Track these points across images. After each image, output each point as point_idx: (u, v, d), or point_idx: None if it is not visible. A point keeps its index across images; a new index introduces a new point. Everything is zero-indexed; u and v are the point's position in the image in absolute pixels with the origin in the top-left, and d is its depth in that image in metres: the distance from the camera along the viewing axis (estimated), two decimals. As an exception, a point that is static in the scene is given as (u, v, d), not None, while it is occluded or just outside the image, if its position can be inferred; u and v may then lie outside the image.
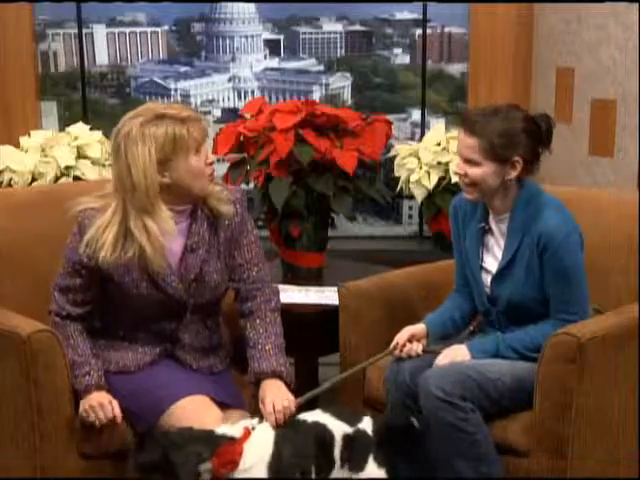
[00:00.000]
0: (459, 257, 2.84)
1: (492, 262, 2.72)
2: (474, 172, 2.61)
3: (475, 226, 2.74)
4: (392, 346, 2.71)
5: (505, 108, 2.63)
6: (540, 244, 2.59)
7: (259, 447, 2.28)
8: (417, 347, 2.70)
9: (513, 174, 2.61)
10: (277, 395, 2.45)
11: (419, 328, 2.73)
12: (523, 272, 2.64)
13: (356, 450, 2.36)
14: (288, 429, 2.35)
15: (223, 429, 2.30)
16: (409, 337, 2.70)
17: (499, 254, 2.70)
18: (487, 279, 2.72)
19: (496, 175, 2.60)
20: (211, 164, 2.50)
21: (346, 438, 2.36)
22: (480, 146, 2.57)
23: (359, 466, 2.36)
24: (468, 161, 2.61)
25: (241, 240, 2.59)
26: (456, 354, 2.64)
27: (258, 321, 2.60)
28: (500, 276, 2.69)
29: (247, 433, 2.29)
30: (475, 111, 2.66)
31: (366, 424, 2.40)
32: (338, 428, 2.37)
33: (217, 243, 2.57)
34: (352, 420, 2.40)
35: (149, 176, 2.40)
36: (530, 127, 2.60)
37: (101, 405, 2.47)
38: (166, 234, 2.45)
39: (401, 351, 2.70)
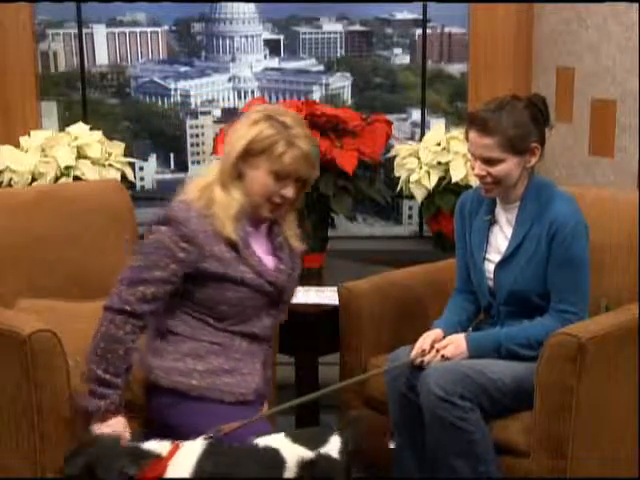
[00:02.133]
0: (462, 255, 2.84)
1: (496, 253, 2.72)
2: (498, 170, 2.60)
3: (481, 218, 2.75)
4: (415, 354, 2.64)
5: (507, 100, 2.65)
6: (551, 231, 2.60)
7: (181, 465, 2.13)
8: (438, 355, 2.62)
9: (533, 161, 2.64)
10: None
11: (437, 333, 2.69)
12: (527, 261, 2.65)
13: (317, 475, 2.16)
14: (217, 453, 2.16)
15: (150, 445, 2.16)
16: (431, 344, 2.65)
17: (504, 245, 2.71)
18: (490, 270, 2.73)
19: (518, 167, 2.62)
20: (286, 200, 2.44)
21: (303, 464, 2.16)
22: (498, 143, 2.58)
23: None
24: (487, 161, 2.60)
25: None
26: (453, 347, 2.62)
27: None
28: (504, 264, 2.69)
29: (174, 450, 2.15)
30: (481, 109, 2.64)
31: (332, 446, 2.19)
32: (293, 453, 2.17)
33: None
34: (315, 443, 2.19)
35: (233, 152, 2.41)
36: (534, 111, 2.63)
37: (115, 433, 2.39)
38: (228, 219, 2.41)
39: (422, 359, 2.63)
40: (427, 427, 2.55)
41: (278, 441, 2.19)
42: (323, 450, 2.18)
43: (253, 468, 2.13)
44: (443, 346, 2.62)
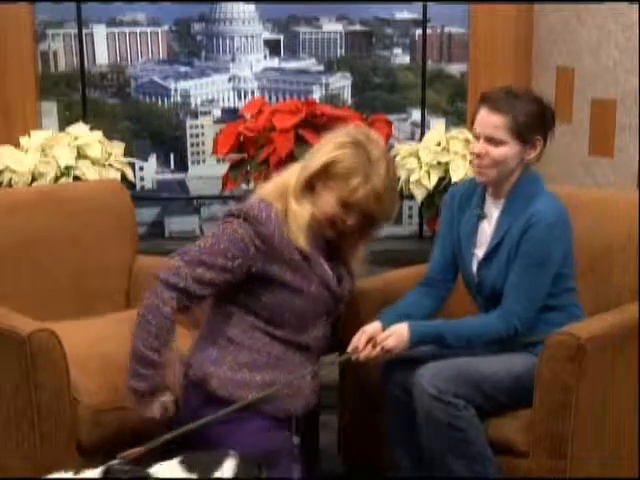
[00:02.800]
0: (442, 246, 2.82)
1: (483, 248, 2.71)
2: (497, 152, 2.60)
3: (471, 212, 2.74)
4: (351, 349, 2.59)
5: (523, 90, 2.68)
6: (525, 227, 2.57)
7: None
8: (375, 351, 2.57)
9: (532, 154, 2.63)
10: None
11: (375, 328, 2.61)
12: (507, 258, 2.61)
13: None
14: None
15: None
16: (367, 340, 2.58)
17: (490, 239, 2.70)
18: (475, 265, 2.72)
19: (517, 156, 2.61)
20: (346, 227, 2.46)
21: None
22: (506, 124, 2.58)
23: None
24: (490, 140, 2.60)
25: None
26: (394, 339, 2.56)
27: None
28: (487, 261, 2.68)
29: None
30: (496, 90, 2.65)
31: (226, 469, 2.11)
32: None
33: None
34: (209, 469, 2.11)
35: (312, 166, 2.42)
36: (545, 111, 2.65)
37: (165, 410, 2.42)
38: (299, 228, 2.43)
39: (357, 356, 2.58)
40: (421, 426, 2.54)
41: (172, 470, 2.10)
42: (216, 475, 2.11)
43: None
44: (384, 338, 2.56)
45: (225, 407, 2.38)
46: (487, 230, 2.71)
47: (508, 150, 2.60)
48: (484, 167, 2.62)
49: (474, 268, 2.72)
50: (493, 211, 2.71)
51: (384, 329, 2.60)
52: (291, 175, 2.48)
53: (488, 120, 2.60)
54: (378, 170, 2.39)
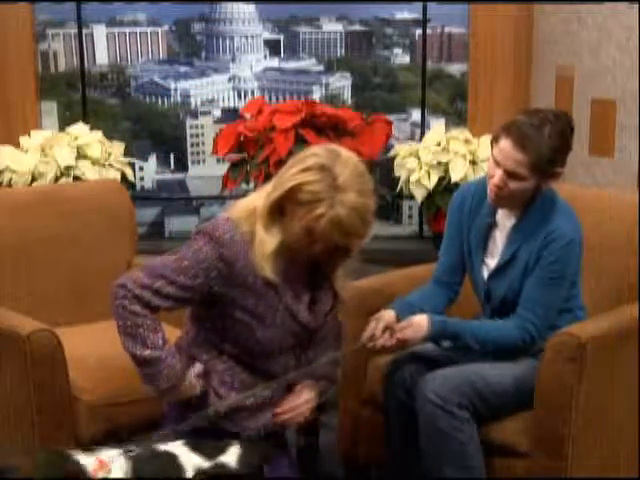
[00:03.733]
0: (450, 247, 2.80)
1: (494, 257, 2.70)
2: (516, 186, 2.54)
3: (482, 220, 2.71)
4: (366, 338, 2.56)
5: (551, 117, 2.52)
6: (544, 242, 2.57)
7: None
8: (391, 340, 2.55)
9: (550, 183, 2.59)
10: None
11: (391, 317, 2.59)
12: (520, 272, 2.62)
13: None
14: (143, 460, 2.11)
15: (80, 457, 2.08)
16: (384, 328, 2.56)
17: (502, 250, 2.68)
18: (486, 275, 2.72)
19: (535, 186, 2.56)
20: (311, 251, 2.29)
21: (200, 473, 2.12)
22: (529, 162, 2.49)
23: None
24: (511, 175, 2.53)
25: None
26: (412, 330, 2.56)
27: None
28: (497, 273, 2.67)
29: (101, 466, 2.07)
30: (524, 121, 2.51)
31: (230, 456, 2.14)
32: (190, 461, 2.12)
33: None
34: (212, 453, 2.14)
35: (279, 190, 2.24)
36: (568, 134, 2.56)
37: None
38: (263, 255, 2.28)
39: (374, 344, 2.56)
40: (422, 433, 2.54)
41: (177, 448, 2.13)
42: (220, 459, 2.13)
43: (150, 473, 2.08)
44: (402, 327, 2.55)
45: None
46: (498, 239, 2.70)
47: (528, 184, 2.54)
48: (501, 197, 2.58)
49: (484, 276, 2.71)
50: (505, 220, 2.68)
51: (398, 320, 2.58)
52: (260, 196, 2.32)
53: (512, 155, 2.50)
54: (344, 197, 2.17)
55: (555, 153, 2.51)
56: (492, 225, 2.70)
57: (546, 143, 2.48)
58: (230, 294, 2.27)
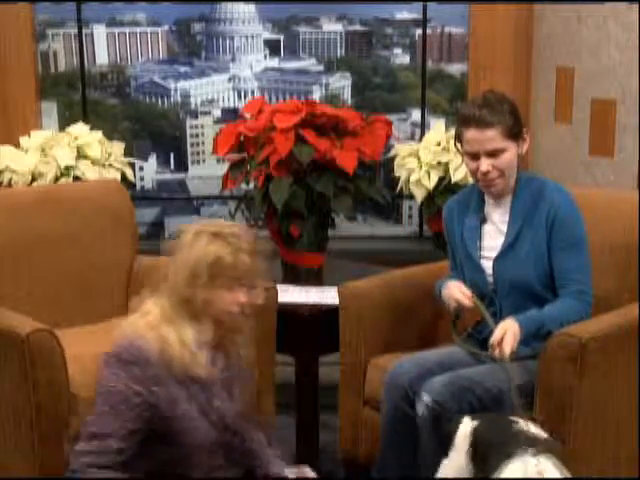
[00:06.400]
0: (454, 261, 2.87)
1: (492, 248, 2.73)
2: (502, 160, 2.63)
3: (472, 218, 2.76)
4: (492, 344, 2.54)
5: (488, 93, 2.71)
6: (550, 217, 2.63)
7: None
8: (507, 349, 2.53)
9: (525, 147, 2.69)
10: None
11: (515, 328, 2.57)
12: (527, 250, 2.66)
13: None
14: None
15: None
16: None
17: (500, 239, 2.72)
18: (489, 266, 2.73)
19: (516, 155, 2.66)
20: (252, 304, 2.25)
21: None
22: (500, 132, 2.61)
23: None
24: (491, 154, 2.62)
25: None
26: (509, 328, 2.54)
27: None
28: (503, 256, 2.70)
29: None
30: (471, 108, 2.65)
31: None
32: None
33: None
34: None
35: (179, 284, 2.19)
36: (514, 104, 2.70)
37: None
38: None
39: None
40: (420, 438, 2.55)
41: None
42: None
43: None
44: (505, 341, 2.51)
45: None
46: (492, 232, 2.74)
47: (510, 154, 2.64)
48: (494, 179, 2.65)
49: (488, 269, 2.73)
50: (495, 213, 2.74)
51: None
52: (154, 305, 2.23)
53: (482, 137, 2.61)
54: (233, 238, 2.19)
55: (513, 115, 2.64)
56: (482, 222, 2.75)
57: (500, 108, 2.62)
58: (156, 412, 2.17)
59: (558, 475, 2.05)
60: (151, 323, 2.19)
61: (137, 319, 2.22)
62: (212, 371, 2.24)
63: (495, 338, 2.53)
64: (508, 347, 2.50)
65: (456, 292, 2.70)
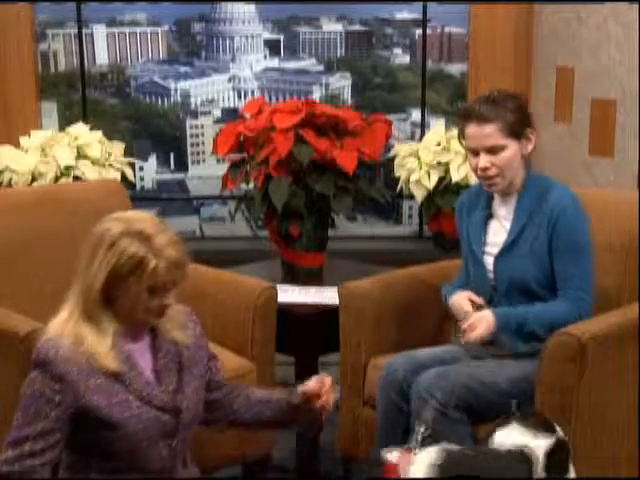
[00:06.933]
0: (464, 253, 2.85)
1: (495, 246, 2.73)
2: (501, 158, 2.63)
3: (479, 214, 2.77)
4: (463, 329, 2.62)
5: (496, 92, 2.69)
6: (552, 219, 2.62)
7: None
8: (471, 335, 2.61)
9: (530, 147, 2.68)
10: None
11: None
12: (528, 249, 2.66)
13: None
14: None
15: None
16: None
17: (502, 237, 2.72)
18: (490, 262, 2.73)
19: (518, 154, 2.65)
20: (168, 307, 2.22)
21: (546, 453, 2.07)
22: (499, 128, 2.61)
23: None
24: (490, 150, 2.62)
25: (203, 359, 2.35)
26: (483, 317, 2.60)
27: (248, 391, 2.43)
28: (504, 254, 2.70)
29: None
30: (474, 103, 2.68)
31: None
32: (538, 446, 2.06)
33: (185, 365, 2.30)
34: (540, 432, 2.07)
35: (95, 282, 2.16)
36: (520, 102, 2.70)
37: None
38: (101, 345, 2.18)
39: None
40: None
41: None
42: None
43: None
44: (472, 326, 2.58)
45: None
46: (497, 228, 2.74)
47: (510, 152, 2.64)
48: (493, 177, 2.66)
49: (489, 265, 2.73)
50: (502, 209, 2.74)
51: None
52: (65, 307, 2.22)
53: (482, 132, 2.62)
54: (160, 242, 2.14)
55: (517, 113, 2.64)
56: (489, 217, 2.75)
57: (504, 105, 2.62)
58: (82, 405, 2.15)
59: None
60: (66, 318, 2.20)
61: (57, 317, 2.23)
62: (141, 361, 2.22)
63: (467, 324, 2.59)
64: (474, 334, 2.56)
65: (466, 305, 2.68)
